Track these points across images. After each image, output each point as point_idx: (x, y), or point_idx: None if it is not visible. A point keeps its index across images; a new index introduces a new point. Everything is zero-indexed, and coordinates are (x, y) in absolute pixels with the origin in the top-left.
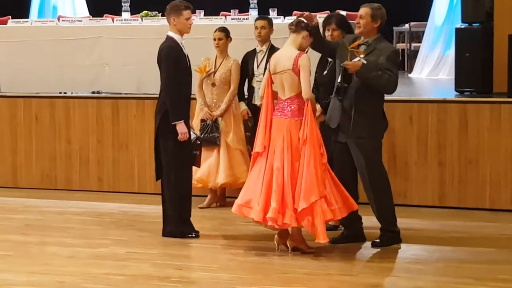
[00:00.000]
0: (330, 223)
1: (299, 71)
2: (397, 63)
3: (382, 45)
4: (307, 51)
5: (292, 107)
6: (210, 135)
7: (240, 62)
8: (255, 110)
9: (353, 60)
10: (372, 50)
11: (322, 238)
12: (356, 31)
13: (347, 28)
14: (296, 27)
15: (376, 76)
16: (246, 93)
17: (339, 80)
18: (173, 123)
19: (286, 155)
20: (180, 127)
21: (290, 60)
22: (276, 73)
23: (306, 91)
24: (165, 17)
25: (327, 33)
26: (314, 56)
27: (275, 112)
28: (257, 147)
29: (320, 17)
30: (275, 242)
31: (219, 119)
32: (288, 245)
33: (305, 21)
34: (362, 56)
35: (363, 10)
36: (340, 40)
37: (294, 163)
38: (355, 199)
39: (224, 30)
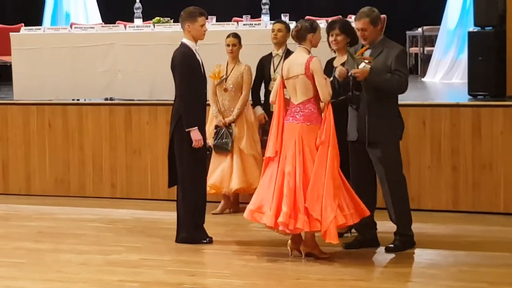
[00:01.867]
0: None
1: (312, 76)
2: (406, 62)
3: (389, 46)
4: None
5: (305, 112)
6: (223, 141)
7: (254, 67)
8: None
9: (360, 67)
10: (380, 52)
11: (333, 239)
12: (364, 43)
13: (351, 33)
14: (298, 38)
15: (386, 79)
16: (263, 97)
17: (349, 90)
18: (187, 130)
19: (298, 159)
20: (194, 133)
21: (301, 65)
22: (289, 78)
23: (324, 95)
24: (177, 23)
25: (331, 38)
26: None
27: (287, 117)
28: (269, 152)
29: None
30: (289, 247)
31: (232, 125)
32: (302, 250)
33: (306, 24)
34: (367, 61)
35: (362, 23)
36: (348, 49)
37: (306, 167)
38: (372, 201)
39: (236, 36)
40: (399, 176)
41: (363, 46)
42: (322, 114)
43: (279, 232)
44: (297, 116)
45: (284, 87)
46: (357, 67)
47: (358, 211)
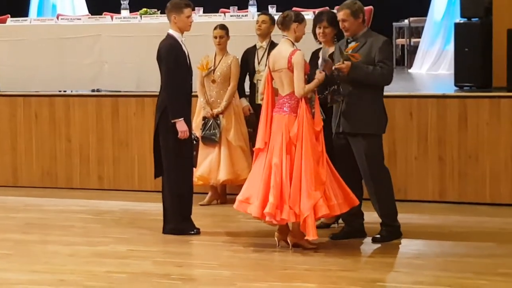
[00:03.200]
0: (322, 221)
1: (293, 69)
2: (390, 53)
3: (372, 38)
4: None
5: (291, 103)
6: (210, 132)
7: (240, 58)
8: (258, 109)
9: (345, 63)
10: (363, 44)
11: (312, 235)
12: (345, 35)
13: (339, 26)
14: (282, 24)
15: (367, 73)
16: (247, 89)
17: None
18: (173, 121)
19: (284, 151)
20: (180, 125)
21: (285, 58)
22: (275, 70)
23: (298, 89)
24: (164, 15)
25: (318, 30)
26: (307, 53)
27: (275, 109)
28: (258, 143)
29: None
30: (276, 238)
31: (220, 116)
32: (289, 241)
33: (291, 14)
34: (355, 59)
35: (342, 14)
36: (336, 45)
37: (292, 159)
38: (359, 193)
39: (224, 28)
40: (381, 168)
41: (348, 39)
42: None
43: (266, 223)
44: (284, 107)
45: (272, 79)
46: (343, 63)
47: (347, 201)
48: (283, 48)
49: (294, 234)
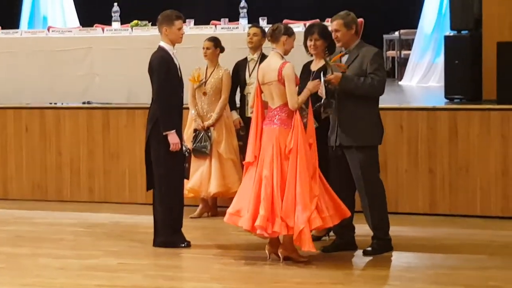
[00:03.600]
0: (313, 233)
1: (284, 82)
2: (381, 64)
3: (364, 50)
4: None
5: (282, 116)
6: (201, 144)
7: (231, 71)
8: (249, 121)
9: (334, 74)
10: (356, 57)
11: (308, 247)
12: (337, 45)
13: (330, 38)
14: (272, 37)
15: (357, 84)
16: (238, 102)
17: (324, 97)
18: (164, 133)
19: (276, 163)
20: (172, 137)
21: (275, 71)
22: (264, 83)
23: (292, 102)
24: (155, 27)
25: (310, 43)
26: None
27: (265, 121)
28: (248, 157)
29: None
30: (266, 251)
31: (211, 128)
32: (280, 254)
33: (281, 27)
34: (341, 69)
35: (335, 24)
36: (324, 57)
37: (284, 171)
38: (352, 205)
39: (212, 40)
40: (376, 181)
41: (341, 51)
42: (306, 117)
43: (257, 236)
44: (274, 120)
45: (262, 92)
46: (332, 74)
47: (338, 212)
48: (273, 61)
49: (285, 247)
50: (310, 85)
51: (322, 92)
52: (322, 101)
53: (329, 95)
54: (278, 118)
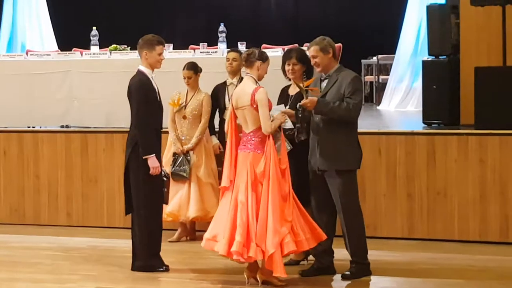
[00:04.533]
0: (291, 257)
1: (257, 107)
2: (358, 88)
3: (342, 74)
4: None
5: (255, 140)
6: (180, 168)
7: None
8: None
9: (309, 98)
10: (335, 82)
11: (279, 272)
12: (317, 70)
13: (308, 62)
14: (246, 61)
15: (334, 108)
16: (217, 126)
17: (297, 122)
18: (144, 157)
19: (250, 188)
20: (152, 161)
21: (248, 95)
22: (238, 108)
23: (265, 127)
24: (133, 51)
25: (288, 67)
26: (276, 90)
27: (240, 146)
28: (223, 181)
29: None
30: (245, 275)
31: (191, 152)
32: (258, 278)
33: (256, 52)
34: (314, 92)
35: (312, 50)
36: (296, 82)
37: (258, 196)
38: (332, 229)
39: (191, 68)
40: (354, 206)
41: (321, 77)
42: (280, 139)
43: (234, 260)
44: (248, 145)
45: (236, 116)
46: (306, 98)
47: (314, 236)
48: (246, 85)
49: (263, 271)
50: (279, 116)
51: (295, 118)
52: (295, 126)
53: (302, 121)
54: (252, 143)
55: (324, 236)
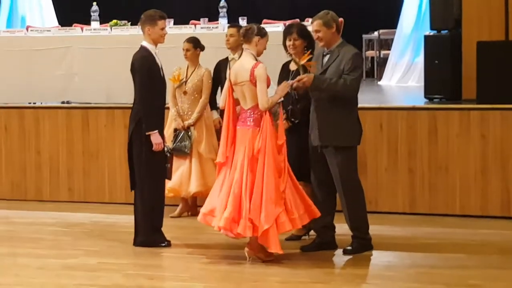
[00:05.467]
0: (293, 233)
1: (256, 82)
2: (357, 65)
3: (344, 50)
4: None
5: (254, 117)
6: (181, 144)
7: (212, 70)
8: None
9: (306, 74)
10: (336, 57)
11: (274, 249)
12: (320, 45)
13: (308, 37)
14: (245, 37)
15: (330, 84)
16: (219, 102)
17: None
18: (147, 133)
19: (247, 165)
20: (155, 137)
21: (247, 71)
22: (236, 84)
23: (262, 102)
24: (134, 26)
25: (289, 43)
26: (277, 65)
27: (239, 122)
28: (219, 157)
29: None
30: (246, 252)
31: (192, 128)
32: (246, 253)
33: (254, 27)
34: (311, 67)
35: (315, 24)
36: (293, 58)
37: (254, 173)
38: (332, 205)
39: (191, 41)
40: (353, 181)
41: (323, 52)
42: (278, 117)
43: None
44: (247, 122)
45: (233, 91)
46: (303, 73)
47: (308, 212)
48: (245, 61)
49: (251, 246)
50: (279, 89)
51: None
52: (288, 108)
53: (295, 102)
54: (251, 119)
55: (318, 214)
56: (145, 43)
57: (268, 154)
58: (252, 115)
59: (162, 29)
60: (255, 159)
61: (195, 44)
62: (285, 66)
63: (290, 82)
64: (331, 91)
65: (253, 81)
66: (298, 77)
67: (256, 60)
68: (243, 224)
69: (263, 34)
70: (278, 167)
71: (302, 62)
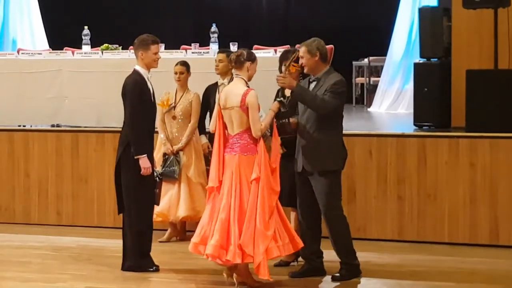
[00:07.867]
0: (282, 259)
1: (247, 109)
2: (337, 89)
3: (330, 78)
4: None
5: (241, 143)
6: (170, 168)
7: (201, 95)
8: None
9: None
10: (322, 85)
11: (263, 275)
12: (305, 71)
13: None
14: (236, 63)
15: (311, 95)
16: (207, 126)
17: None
18: (136, 157)
19: (234, 192)
20: (143, 161)
21: (238, 97)
22: (225, 108)
23: (255, 130)
24: (125, 51)
25: (284, 68)
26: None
27: (226, 149)
28: (211, 181)
29: (279, 52)
30: (224, 274)
31: (180, 152)
32: (235, 279)
33: (244, 53)
34: (296, 68)
35: (301, 50)
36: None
37: (242, 200)
38: (318, 231)
39: (185, 64)
40: (336, 210)
41: (309, 78)
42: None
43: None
44: (234, 147)
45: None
46: (284, 73)
47: (292, 243)
48: (236, 86)
49: (240, 272)
50: (273, 106)
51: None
52: (280, 121)
53: (280, 118)
54: (237, 145)
55: (300, 245)
56: (138, 67)
57: (262, 182)
58: (239, 141)
59: (155, 53)
60: (246, 186)
61: (188, 68)
62: (281, 90)
63: (279, 99)
64: (310, 102)
65: (243, 107)
66: (281, 74)
67: (248, 86)
68: (233, 251)
69: (253, 59)
70: (272, 195)
71: (287, 64)
